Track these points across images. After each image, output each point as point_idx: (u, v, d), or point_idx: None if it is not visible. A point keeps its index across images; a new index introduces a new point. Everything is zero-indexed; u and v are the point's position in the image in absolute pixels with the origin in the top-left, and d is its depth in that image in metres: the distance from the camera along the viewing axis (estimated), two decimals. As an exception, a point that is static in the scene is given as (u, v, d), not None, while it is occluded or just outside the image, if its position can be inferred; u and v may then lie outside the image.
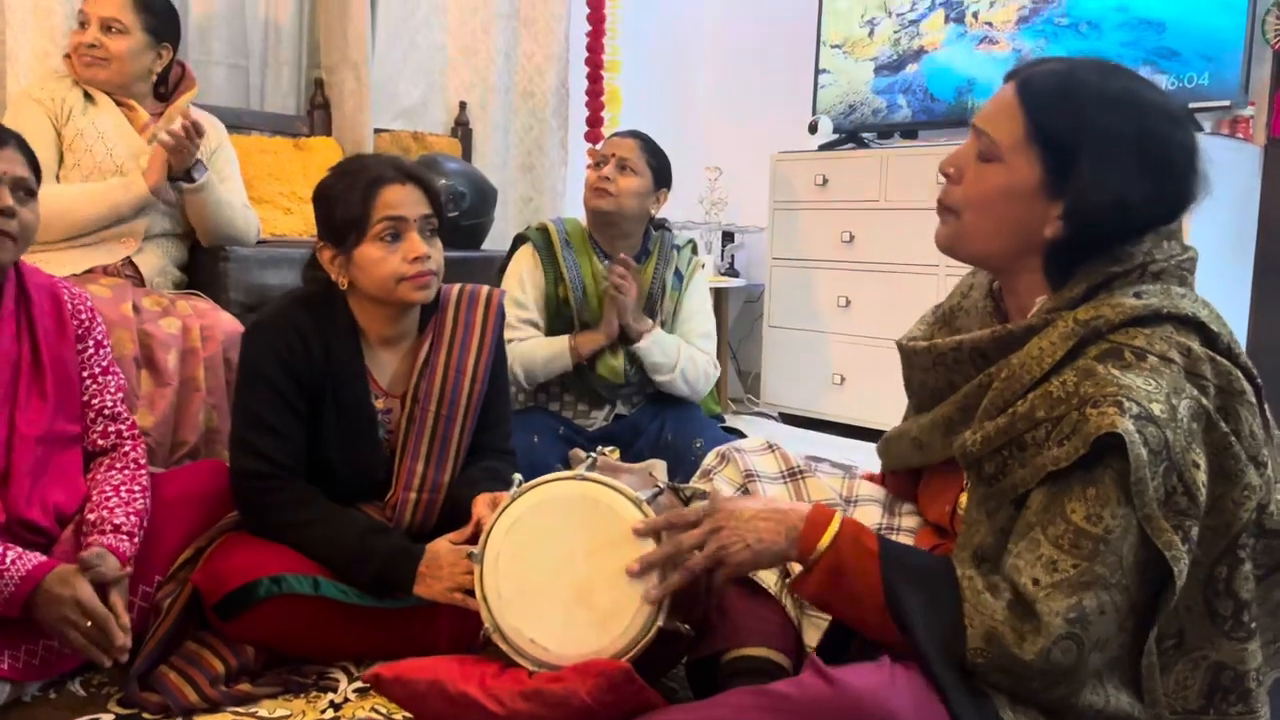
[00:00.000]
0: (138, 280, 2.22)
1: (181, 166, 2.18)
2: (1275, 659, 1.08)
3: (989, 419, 1.09)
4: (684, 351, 2.40)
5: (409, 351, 1.72)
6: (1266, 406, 1.09)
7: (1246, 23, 2.83)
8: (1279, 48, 2.91)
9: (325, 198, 1.63)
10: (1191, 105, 2.88)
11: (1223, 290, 2.94)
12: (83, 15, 2.25)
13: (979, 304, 1.27)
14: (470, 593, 1.37)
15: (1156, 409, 0.97)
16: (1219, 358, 1.04)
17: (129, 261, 2.23)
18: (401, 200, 1.59)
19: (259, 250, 2.50)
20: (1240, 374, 1.04)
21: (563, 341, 2.34)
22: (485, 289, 1.80)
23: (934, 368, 1.23)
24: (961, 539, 1.13)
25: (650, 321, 2.37)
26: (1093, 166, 1.06)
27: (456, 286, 1.78)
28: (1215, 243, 2.84)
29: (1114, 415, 0.96)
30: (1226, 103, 2.89)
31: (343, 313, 1.65)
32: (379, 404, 1.69)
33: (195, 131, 2.15)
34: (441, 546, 1.54)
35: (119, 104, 2.28)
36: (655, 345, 2.35)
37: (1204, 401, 1.01)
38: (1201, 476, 0.99)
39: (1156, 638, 1.02)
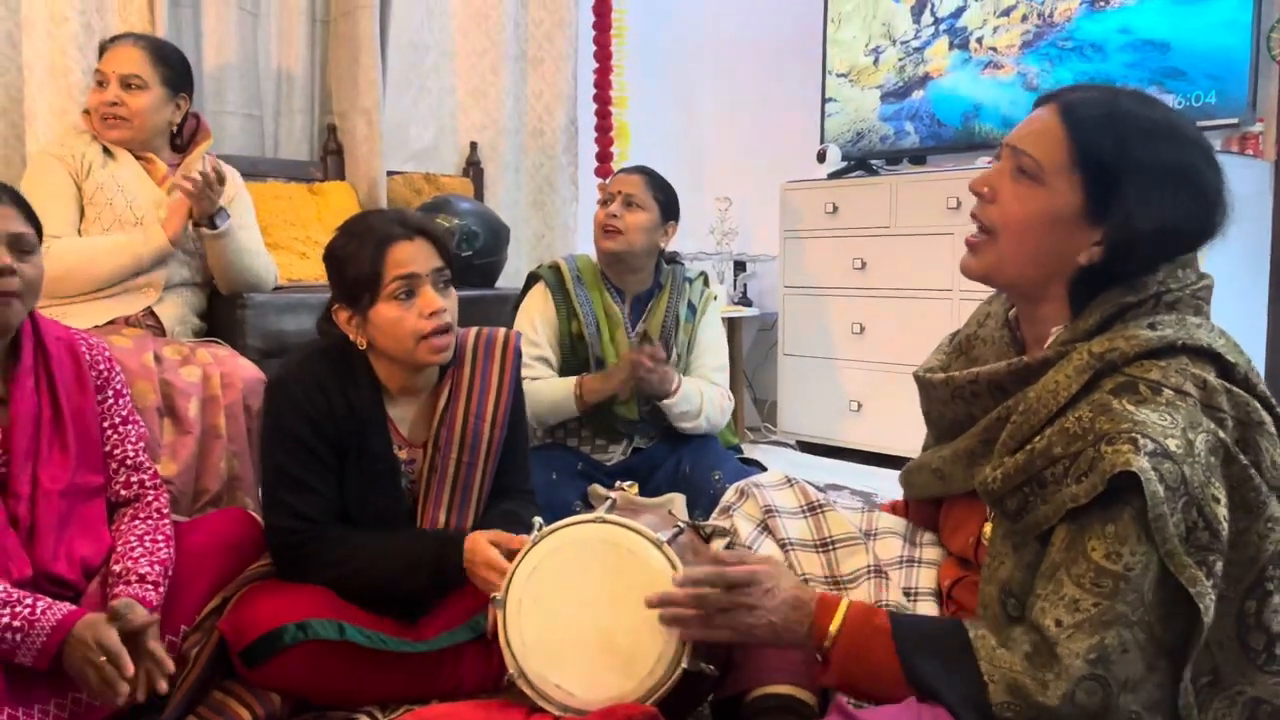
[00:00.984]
0: (159, 330, 2.25)
1: (204, 213, 2.22)
2: None
3: (1008, 454, 1.09)
4: (706, 395, 2.41)
5: (429, 400, 1.73)
6: None
7: (1251, 40, 2.84)
8: (1285, 64, 2.92)
9: (336, 259, 1.63)
10: (1200, 124, 2.89)
11: (1239, 310, 2.93)
12: (100, 75, 2.29)
13: (995, 334, 1.26)
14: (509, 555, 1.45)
15: (1172, 445, 0.97)
16: (1235, 389, 1.04)
17: (150, 312, 2.25)
18: (412, 257, 1.59)
19: (276, 296, 2.52)
20: (1259, 404, 1.04)
21: (569, 387, 2.34)
22: (502, 332, 1.80)
23: (952, 400, 1.23)
24: (986, 573, 1.12)
25: (676, 378, 2.35)
26: (1137, 194, 1.06)
27: (473, 331, 1.78)
28: (1229, 262, 2.83)
29: (1128, 453, 0.96)
30: (1234, 120, 2.89)
31: (362, 366, 1.66)
32: (402, 454, 1.70)
33: (217, 177, 2.19)
34: (479, 544, 1.55)
35: (138, 158, 2.32)
36: (682, 398, 2.36)
37: (1221, 435, 1.00)
38: (1222, 511, 0.98)
39: (1191, 676, 1.01)
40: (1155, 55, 3.01)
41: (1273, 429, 1.04)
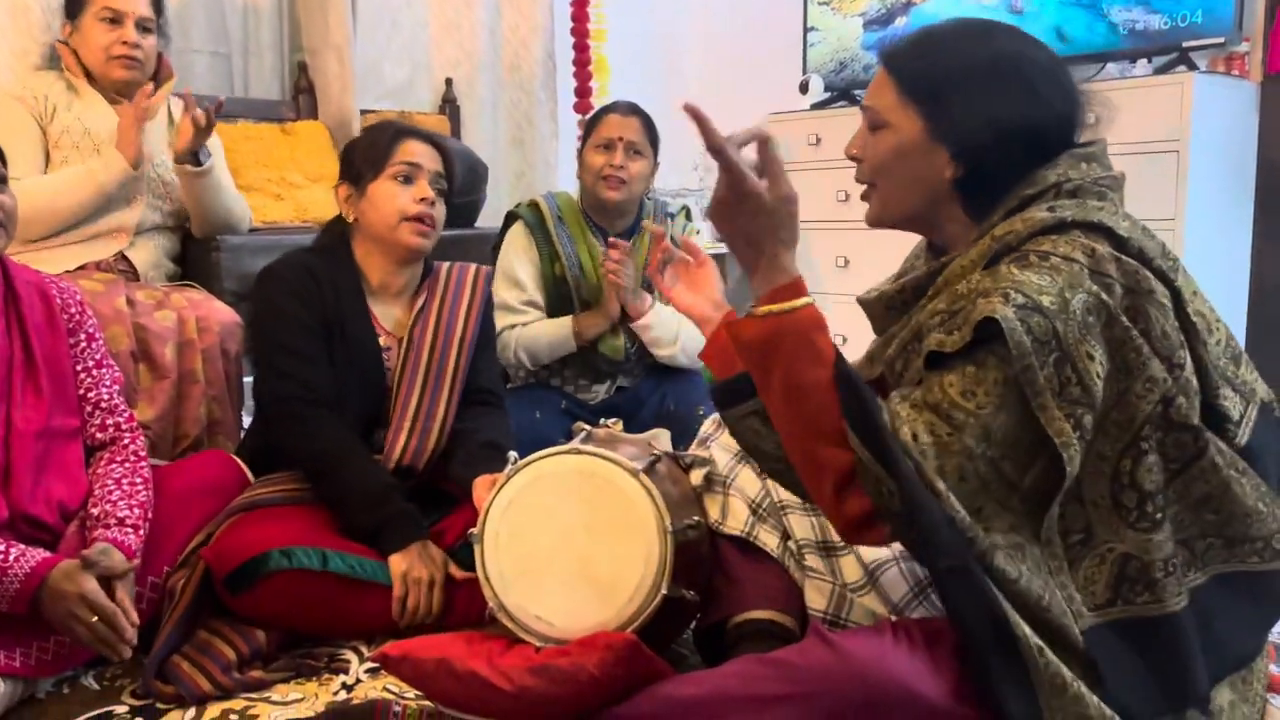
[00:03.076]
0: (131, 275, 2.21)
1: (192, 149, 2.16)
2: (1209, 555, 1.09)
3: (908, 328, 1.14)
4: (683, 325, 2.38)
5: (408, 302, 1.87)
6: (1196, 308, 1.10)
7: (1238, -43, 2.78)
8: (1273, -19, 2.86)
9: (352, 145, 1.88)
10: (1186, 44, 2.84)
11: (1224, 230, 2.91)
12: (112, 13, 2.20)
13: (922, 260, 1.30)
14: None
15: (1046, 300, 1.00)
16: (1126, 259, 1.06)
17: (122, 257, 2.21)
18: (421, 152, 1.79)
19: (251, 238, 2.48)
20: (1151, 275, 1.06)
21: (565, 325, 2.32)
22: (473, 265, 1.95)
23: (886, 313, 1.26)
24: None
25: (650, 298, 2.34)
26: (959, 100, 1.12)
27: (447, 263, 1.93)
28: (1214, 182, 2.81)
29: (997, 303, 0.99)
30: (1221, 40, 2.84)
31: (347, 260, 1.81)
32: (381, 340, 1.82)
33: (214, 111, 2.14)
34: (437, 559, 1.61)
35: (113, 101, 2.25)
36: (656, 323, 2.33)
37: (1105, 297, 1.02)
38: (1096, 368, 1.01)
39: (1063, 533, 1.05)
40: (1141, -26, 2.95)
41: (1165, 300, 1.06)
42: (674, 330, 2.36)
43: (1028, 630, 0.98)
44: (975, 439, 1.00)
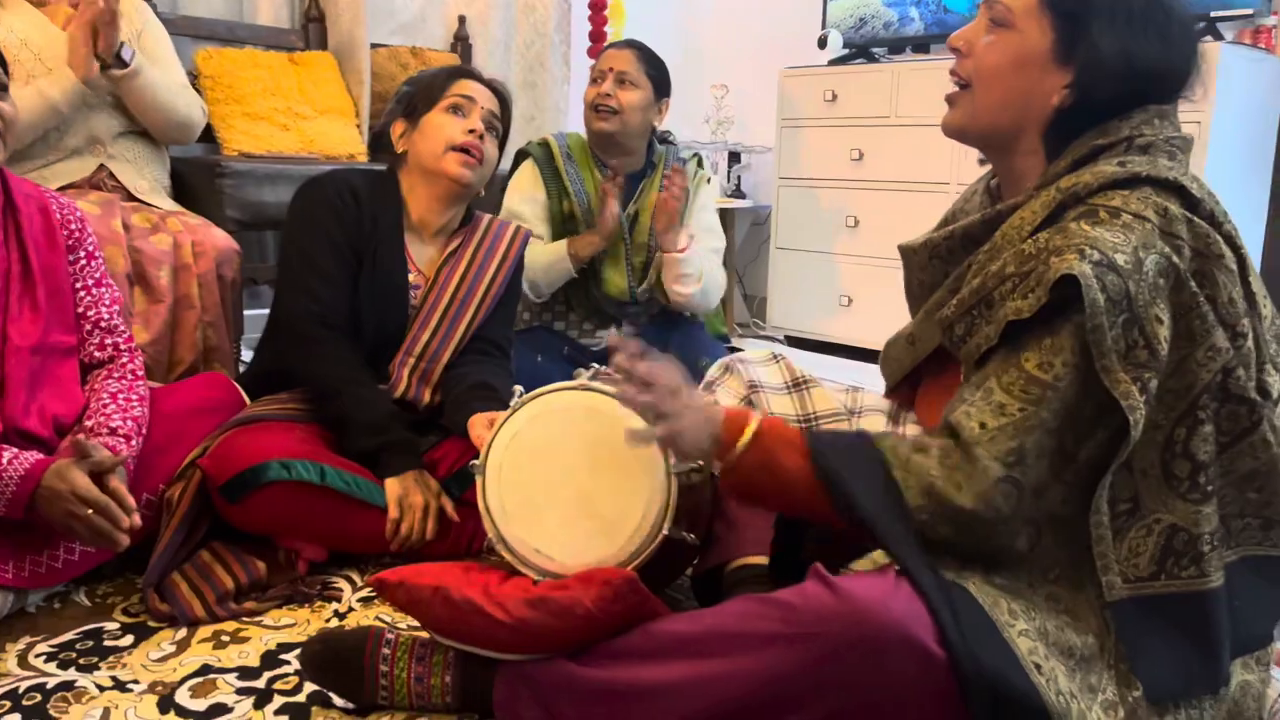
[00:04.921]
0: (125, 195, 2.16)
1: (108, 49, 2.02)
2: (1244, 535, 1.06)
3: (967, 285, 1.09)
4: (707, 263, 2.36)
5: (443, 243, 1.85)
6: (1254, 280, 1.07)
7: (1274, -74, 2.72)
8: (1308, -47, 2.80)
9: (412, 81, 1.94)
10: (1213, 14, 2.79)
11: (1239, 205, 2.88)
12: None
13: (977, 202, 1.25)
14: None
15: (1121, 259, 0.97)
16: (1198, 220, 1.02)
17: (108, 173, 2.15)
18: (477, 90, 1.80)
19: (257, 165, 2.44)
20: (1221, 240, 1.02)
21: (560, 246, 2.30)
22: (514, 223, 1.96)
23: (930, 262, 1.22)
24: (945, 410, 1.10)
25: (688, 236, 2.31)
26: (1103, 32, 1.06)
27: (490, 215, 1.95)
28: (1233, 155, 2.77)
29: (1073, 260, 0.96)
30: (1249, 11, 2.79)
31: (393, 189, 1.80)
32: (411, 278, 1.80)
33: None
34: (432, 485, 1.61)
35: (38, 4, 2.12)
36: (693, 258, 2.31)
37: (1175, 260, 0.99)
38: (1164, 331, 0.98)
39: (1110, 501, 1.01)
40: (1174, -60, 2.88)
41: (1233, 265, 1.02)
42: (699, 268, 2.33)
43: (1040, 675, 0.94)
44: (1053, 413, 0.98)
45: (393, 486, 1.57)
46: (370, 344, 1.74)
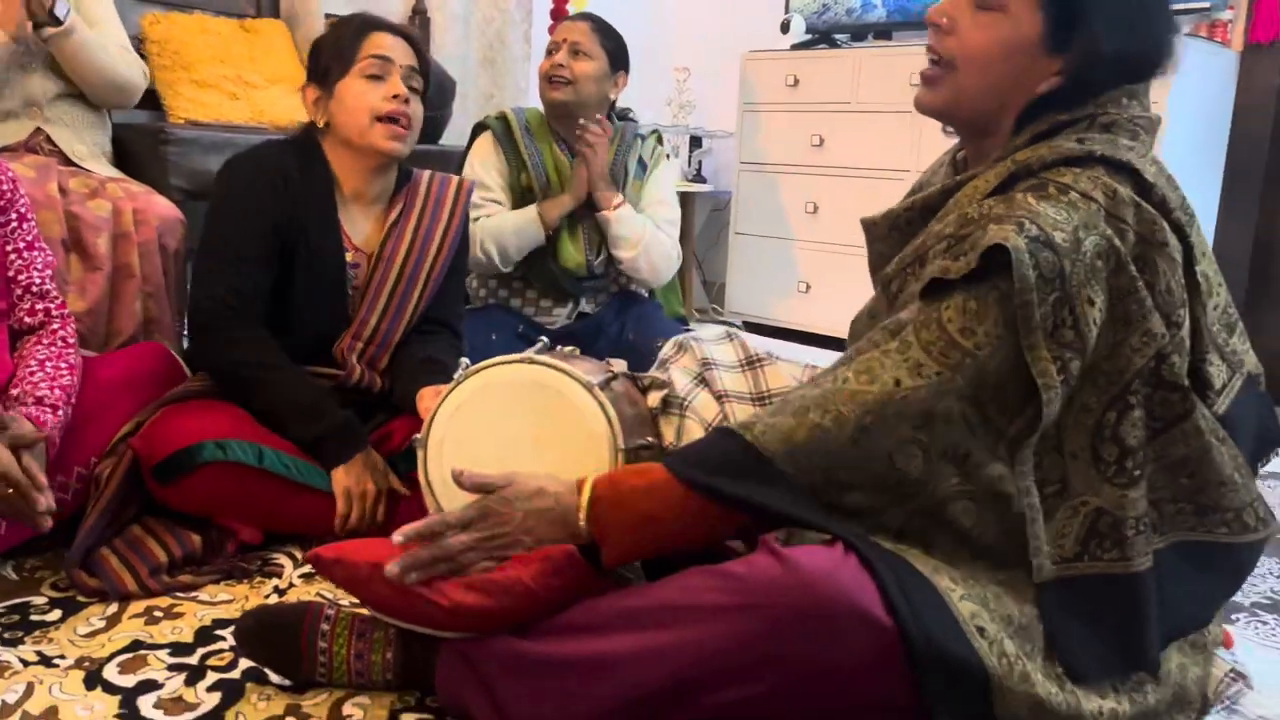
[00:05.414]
0: (62, 160, 2.08)
1: (43, 4, 1.95)
2: (1176, 520, 1.06)
3: (910, 245, 1.09)
4: (649, 229, 2.34)
5: (380, 214, 1.74)
6: (1208, 267, 1.07)
7: (1231, -79, 2.75)
8: (1263, -51, 2.83)
9: (319, 42, 1.71)
10: (1172, 7, 2.81)
11: (1193, 194, 2.89)
12: None
13: (943, 174, 1.23)
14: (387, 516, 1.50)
15: (1059, 237, 0.96)
16: (1146, 206, 1.01)
17: (45, 137, 2.08)
18: (391, 45, 1.65)
19: (204, 133, 2.38)
20: (1168, 227, 1.02)
21: (530, 210, 2.27)
22: (456, 177, 1.84)
23: (889, 234, 1.20)
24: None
25: (620, 195, 2.31)
26: (1101, 20, 1.04)
27: (429, 171, 1.82)
28: (1187, 147, 2.80)
29: (1010, 231, 0.95)
30: (1206, 5, 2.82)
31: (320, 163, 1.67)
32: (348, 256, 1.69)
33: None
34: (378, 461, 1.56)
35: None
36: (623, 217, 2.29)
37: (1116, 243, 0.99)
38: (1094, 314, 0.97)
39: (1039, 483, 1.01)
40: (1134, -68, 2.90)
41: (1177, 255, 1.02)
42: (640, 231, 2.31)
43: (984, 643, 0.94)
44: (969, 380, 0.97)
45: (340, 478, 1.51)
46: (311, 332, 1.65)
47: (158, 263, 1.97)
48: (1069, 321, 0.97)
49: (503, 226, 2.25)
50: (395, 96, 1.61)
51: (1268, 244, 3.02)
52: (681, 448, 1.20)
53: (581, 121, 2.24)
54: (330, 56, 1.65)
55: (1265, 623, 1.49)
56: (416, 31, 1.73)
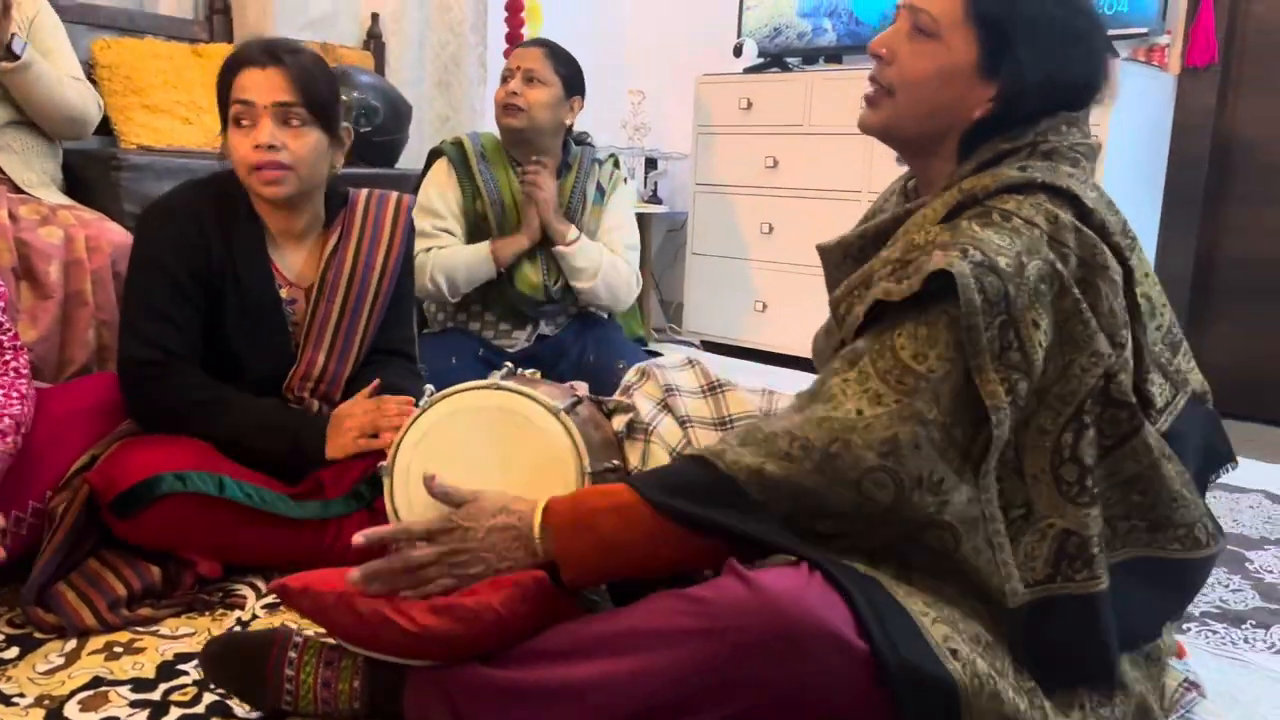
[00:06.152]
0: (11, 187, 2.04)
1: (0, 39, 1.93)
2: (1130, 537, 1.08)
3: (858, 272, 1.12)
4: (606, 258, 2.36)
5: (315, 245, 1.69)
6: (1150, 288, 1.11)
7: (1166, -50, 2.85)
8: (1195, -23, 2.94)
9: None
10: (1110, 32, 2.90)
11: (1133, 216, 2.99)
12: None
13: (892, 202, 1.27)
14: (374, 437, 1.53)
15: (1003, 261, 0.99)
16: (1086, 230, 1.05)
17: None
18: (255, 84, 1.52)
19: (156, 159, 2.35)
20: (1108, 251, 1.05)
21: (484, 247, 2.28)
22: (394, 194, 1.78)
23: (844, 261, 1.23)
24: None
25: (574, 227, 2.33)
26: (1028, 48, 1.08)
27: (365, 190, 1.76)
28: (1126, 171, 2.89)
29: (954, 257, 0.98)
30: (1144, 30, 2.92)
31: (243, 201, 1.61)
32: (283, 293, 1.65)
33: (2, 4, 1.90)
34: (342, 407, 1.59)
35: None
36: (579, 250, 2.31)
37: (1059, 267, 1.02)
38: (1040, 336, 1.00)
39: (1004, 508, 1.03)
40: (1073, -39, 2.99)
41: (1117, 278, 1.05)
42: (597, 261, 2.34)
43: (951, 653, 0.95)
44: (927, 404, 0.99)
45: (337, 447, 1.55)
46: (258, 374, 1.61)
47: (111, 290, 1.94)
48: (1015, 344, 0.99)
49: (455, 261, 2.26)
50: (257, 146, 1.51)
51: (1208, 262, 3.12)
52: (648, 471, 1.22)
53: (519, 168, 2.27)
54: (218, 101, 1.58)
55: (1215, 632, 1.53)
56: (298, 55, 1.56)
